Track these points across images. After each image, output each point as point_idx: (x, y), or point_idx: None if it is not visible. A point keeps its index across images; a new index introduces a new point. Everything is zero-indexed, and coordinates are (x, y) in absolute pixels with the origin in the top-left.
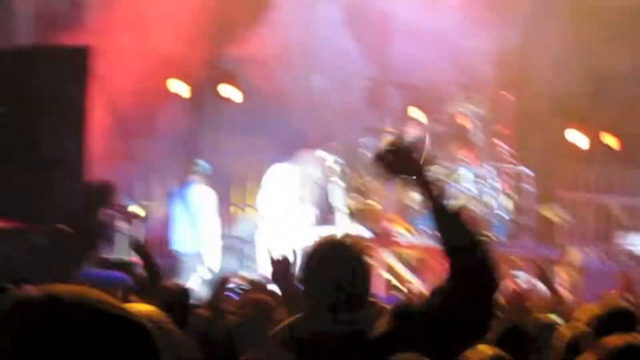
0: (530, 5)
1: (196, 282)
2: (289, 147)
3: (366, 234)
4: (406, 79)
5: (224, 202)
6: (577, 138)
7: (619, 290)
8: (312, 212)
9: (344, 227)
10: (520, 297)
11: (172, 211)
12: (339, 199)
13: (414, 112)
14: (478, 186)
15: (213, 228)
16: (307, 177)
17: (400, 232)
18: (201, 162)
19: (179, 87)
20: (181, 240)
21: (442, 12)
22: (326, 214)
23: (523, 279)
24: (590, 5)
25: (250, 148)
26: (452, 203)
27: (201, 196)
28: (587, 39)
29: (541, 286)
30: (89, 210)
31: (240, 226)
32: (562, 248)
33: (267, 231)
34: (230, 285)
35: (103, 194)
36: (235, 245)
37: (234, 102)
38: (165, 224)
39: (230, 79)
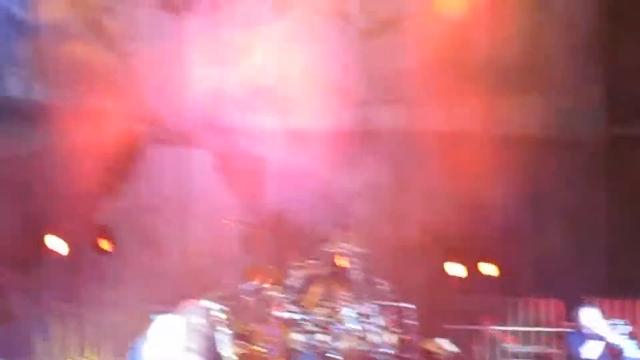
0: (396, 141)
1: None
2: (170, 297)
3: None
4: (281, 222)
5: None
6: (456, 269)
7: None
8: None
9: None
10: None
11: None
12: (226, 346)
13: (293, 255)
14: (362, 325)
15: None
16: (192, 327)
17: None
18: None
19: (57, 244)
20: None
21: (311, 152)
22: None
23: None
24: (457, 137)
25: (131, 300)
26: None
27: None
28: (458, 171)
29: None
30: None
31: None
32: None
33: None
34: None
35: None
36: None
37: (110, 255)
38: None
39: (105, 234)
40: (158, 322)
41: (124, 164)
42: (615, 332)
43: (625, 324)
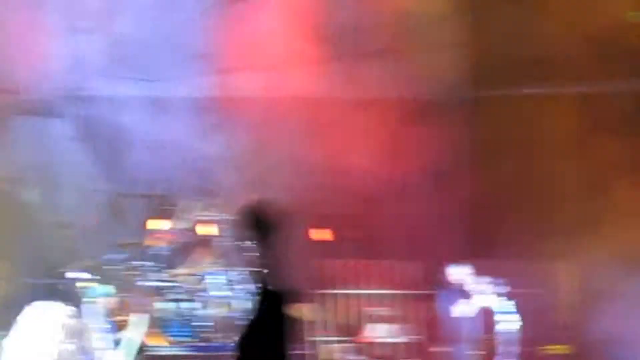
0: (258, 107)
1: None
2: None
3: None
4: (145, 190)
5: None
6: (320, 234)
7: None
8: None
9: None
10: None
11: None
12: (97, 318)
13: (155, 223)
14: (229, 291)
15: None
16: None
17: (160, 346)
18: None
19: None
20: None
21: (172, 120)
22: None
23: None
24: (318, 102)
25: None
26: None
27: None
28: (321, 137)
29: None
30: None
31: None
32: (314, 345)
33: None
34: None
35: None
36: None
37: None
38: None
39: None
40: (29, 311)
41: None
42: (488, 290)
43: (501, 284)
